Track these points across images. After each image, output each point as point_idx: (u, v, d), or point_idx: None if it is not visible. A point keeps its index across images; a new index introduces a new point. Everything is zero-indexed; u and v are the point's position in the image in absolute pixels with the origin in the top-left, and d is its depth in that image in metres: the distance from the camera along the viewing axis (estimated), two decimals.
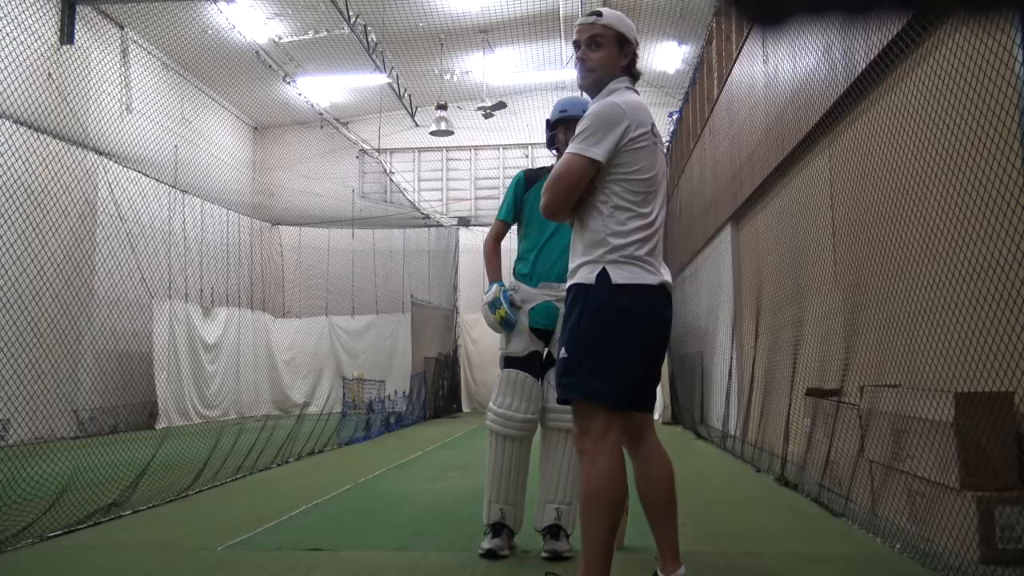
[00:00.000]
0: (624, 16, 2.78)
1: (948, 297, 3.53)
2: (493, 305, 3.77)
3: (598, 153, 2.58)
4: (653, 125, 2.69)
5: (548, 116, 3.88)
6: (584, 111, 2.85)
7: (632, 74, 2.76)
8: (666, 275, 2.67)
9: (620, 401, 2.58)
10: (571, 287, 2.66)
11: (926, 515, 3.58)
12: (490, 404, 3.79)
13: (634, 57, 2.76)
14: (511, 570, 3.45)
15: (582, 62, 2.73)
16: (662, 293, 2.63)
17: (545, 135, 3.91)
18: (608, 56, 2.71)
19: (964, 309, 3.38)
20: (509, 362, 3.75)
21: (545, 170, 3.88)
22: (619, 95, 2.68)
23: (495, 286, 3.83)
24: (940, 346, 3.55)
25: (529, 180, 3.91)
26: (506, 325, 3.76)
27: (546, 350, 3.79)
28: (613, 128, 2.58)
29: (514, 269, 3.89)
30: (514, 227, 3.99)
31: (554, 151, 3.87)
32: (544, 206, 2.68)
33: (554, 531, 3.63)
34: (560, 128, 3.74)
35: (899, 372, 4.06)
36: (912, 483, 3.74)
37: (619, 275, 2.55)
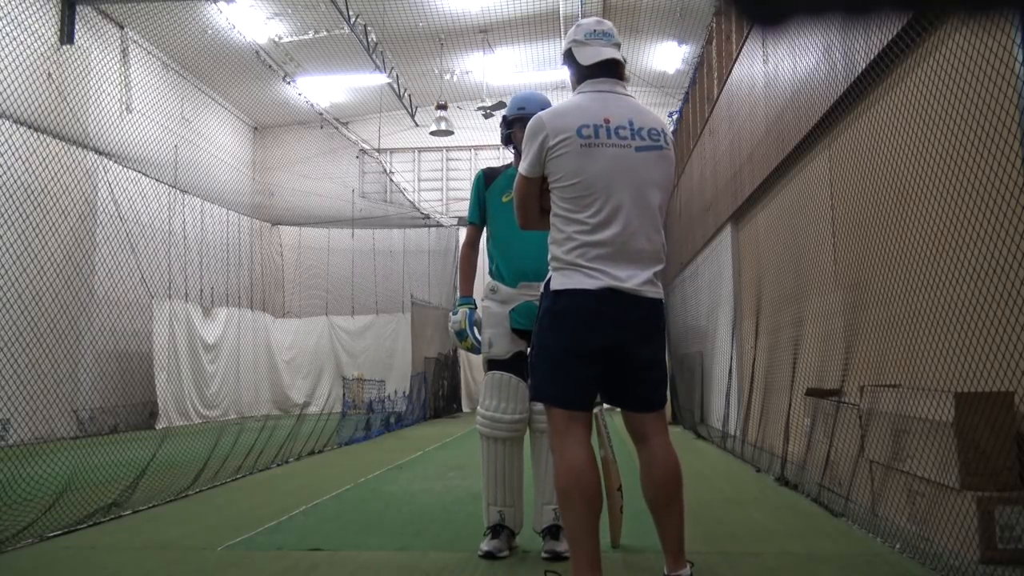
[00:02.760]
0: (573, 27, 2.88)
1: (948, 297, 3.52)
2: (460, 335, 3.88)
3: (524, 168, 2.73)
4: (583, 127, 2.61)
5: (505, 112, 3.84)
6: (542, 107, 3.14)
7: (590, 77, 2.75)
8: (625, 280, 2.59)
9: (570, 401, 2.64)
10: None
11: (926, 515, 3.58)
12: (478, 408, 3.78)
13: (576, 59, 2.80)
14: (511, 570, 3.45)
15: None
16: (607, 297, 2.58)
17: (501, 132, 3.85)
18: (570, 74, 2.87)
19: (964, 309, 3.38)
20: (493, 365, 3.72)
21: (505, 167, 3.88)
22: (559, 102, 2.81)
23: (461, 311, 3.86)
24: (940, 346, 3.54)
25: (488, 178, 3.85)
26: (475, 352, 3.86)
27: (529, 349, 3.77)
28: (533, 142, 2.68)
29: (490, 269, 3.83)
30: None
31: (511, 148, 3.82)
32: (517, 221, 2.88)
33: (553, 531, 3.63)
34: (517, 126, 3.66)
35: (899, 372, 4.06)
36: (912, 483, 3.74)
37: (558, 281, 2.65)
